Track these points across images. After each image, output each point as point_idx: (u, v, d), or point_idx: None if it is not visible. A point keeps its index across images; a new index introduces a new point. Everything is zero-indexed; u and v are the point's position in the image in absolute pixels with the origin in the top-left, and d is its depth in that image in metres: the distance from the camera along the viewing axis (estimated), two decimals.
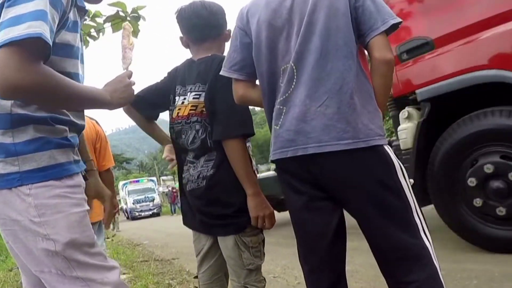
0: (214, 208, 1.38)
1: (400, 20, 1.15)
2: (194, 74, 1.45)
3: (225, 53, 1.38)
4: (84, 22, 2.78)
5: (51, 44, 0.89)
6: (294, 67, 1.15)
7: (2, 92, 0.87)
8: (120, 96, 1.11)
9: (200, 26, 1.45)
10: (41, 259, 1.02)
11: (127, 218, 25.52)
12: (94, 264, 1.05)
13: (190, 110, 1.43)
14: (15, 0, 0.89)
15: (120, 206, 20.07)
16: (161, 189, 30.07)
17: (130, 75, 1.18)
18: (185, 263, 4.69)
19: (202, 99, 1.41)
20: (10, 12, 0.88)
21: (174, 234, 8.72)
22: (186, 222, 1.55)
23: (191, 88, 1.44)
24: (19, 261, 1.16)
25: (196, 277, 1.62)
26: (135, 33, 3.67)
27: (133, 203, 24.85)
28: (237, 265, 1.38)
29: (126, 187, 27.11)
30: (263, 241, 1.43)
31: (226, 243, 1.39)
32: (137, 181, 29.04)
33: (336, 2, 1.12)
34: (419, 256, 1.07)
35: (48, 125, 1.02)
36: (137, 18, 3.50)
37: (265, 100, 1.24)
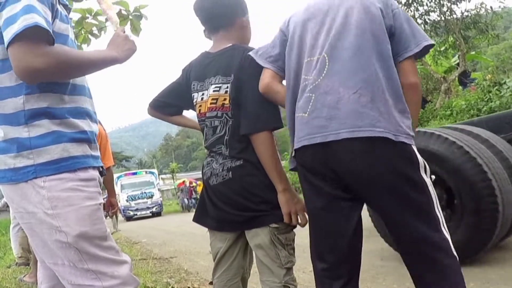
0: (245, 200, 1.32)
1: (433, 42, 1.23)
2: (214, 66, 1.41)
3: (251, 44, 1.45)
4: (86, 20, 2.79)
5: (49, 29, 0.96)
6: (326, 57, 1.19)
7: (27, 79, 0.98)
8: (123, 49, 1.17)
9: (207, 17, 1.46)
10: (55, 251, 1.05)
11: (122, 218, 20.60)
12: (105, 258, 1.08)
13: (211, 103, 1.39)
14: (4, 4, 0.98)
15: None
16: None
17: (123, 30, 1.24)
18: (183, 262, 4.70)
19: (222, 91, 1.36)
20: (3, 16, 0.97)
21: (173, 233, 8.73)
22: (201, 220, 1.47)
23: (210, 81, 1.40)
24: (38, 255, 1.18)
25: (211, 283, 1.55)
26: (137, 31, 3.68)
27: (127, 200, 19.63)
28: (276, 264, 1.32)
29: (120, 180, 20.96)
30: (294, 238, 1.39)
31: (262, 241, 1.32)
32: (134, 174, 23.04)
33: (371, 9, 1.20)
34: (441, 248, 1.12)
35: (63, 118, 1.07)
36: (139, 17, 3.50)
37: (288, 92, 1.30)
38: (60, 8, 1.11)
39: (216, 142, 1.39)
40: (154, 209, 19.74)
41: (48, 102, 1.05)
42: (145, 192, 20.17)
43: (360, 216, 1.23)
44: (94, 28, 2.92)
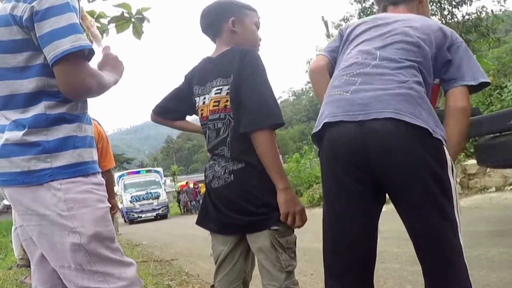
0: (246, 203, 1.31)
1: (489, 81, 1.28)
2: (214, 70, 1.43)
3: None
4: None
5: (94, 51, 1.07)
6: (377, 53, 1.24)
7: (76, 96, 1.09)
8: (119, 70, 1.27)
9: (203, 29, 1.52)
10: (64, 253, 1.07)
11: (125, 221, 18.67)
12: (114, 259, 1.10)
13: (213, 106, 1.40)
14: (44, 14, 1.02)
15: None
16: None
17: (109, 48, 1.32)
18: (184, 264, 4.70)
19: (224, 93, 1.37)
20: (46, 26, 1.02)
21: (174, 235, 8.74)
22: (203, 223, 1.46)
23: (212, 85, 1.41)
24: (35, 258, 1.20)
25: (213, 286, 1.52)
26: (139, 34, 3.69)
27: (131, 201, 17.88)
28: (276, 268, 1.31)
29: (122, 179, 19.25)
30: (295, 241, 1.38)
31: (262, 245, 1.31)
32: (137, 172, 21.17)
33: (430, 33, 1.26)
34: (457, 251, 1.13)
35: (77, 123, 1.12)
36: (142, 20, 3.51)
37: (337, 68, 1.34)
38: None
39: (219, 144, 1.39)
40: (160, 211, 17.97)
41: (66, 108, 1.10)
42: (150, 193, 18.30)
43: (379, 214, 1.21)
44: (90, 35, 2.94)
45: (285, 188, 1.29)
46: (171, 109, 1.59)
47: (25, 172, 1.04)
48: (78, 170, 1.08)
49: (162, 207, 18.20)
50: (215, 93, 1.40)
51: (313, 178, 12.07)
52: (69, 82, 1.03)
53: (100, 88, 1.12)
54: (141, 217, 17.65)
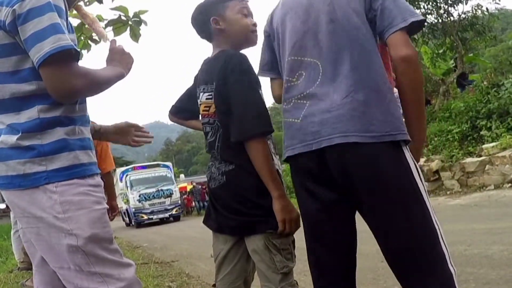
0: (238, 205, 1.32)
1: (423, 18, 1.12)
2: (203, 74, 1.45)
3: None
4: (86, 26, 2.81)
5: (78, 49, 1.03)
6: (319, 64, 1.15)
7: (65, 99, 1.06)
8: (125, 62, 1.24)
9: (196, 28, 1.49)
10: (62, 255, 1.07)
11: (128, 224, 16.33)
12: (112, 260, 1.10)
13: (204, 110, 1.42)
14: (26, 17, 1.00)
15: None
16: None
17: (115, 42, 1.28)
18: (184, 266, 4.70)
19: (212, 99, 1.38)
20: (28, 29, 1.00)
21: (174, 237, 8.74)
22: (206, 222, 1.48)
23: (203, 89, 1.42)
24: (36, 260, 1.20)
25: (214, 285, 1.53)
26: (136, 37, 3.69)
27: (139, 200, 14.92)
28: (271, 269, 1.30)
29: (127, 176, 16.13)
30: (293, 242, 1.36)
31: (256, 246, 1.31)
32: (144, 168, 17.37)
33: (350, 2, 1.14)
34: (437, 262, 1.05)
35: (72, 126, 1.10)
36: (139, 22, 3.50)
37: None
38: (68, 17, 1.15)
39: (210, 147, 1.42)
40: (174, 211, 15.06)
41: (61, 111, 1.08)
42: (162, 190, 15.38)
43: (354, 218, 1.20)
44: (94, 34, 2.94)
45: (280, 196, 1.28)
46: (183, 109, 1.64)
47: (20, 175, 1.04)
48: (74, 172, 1.07)
49: (176, 206, 15.30)
50: (206, 98, 1.41)
51: None
52: (54, 85, 1.01)
53: (95, 86, 1.10)
54: (151, 218, 14.63)
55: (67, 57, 1.01)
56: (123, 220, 17.01)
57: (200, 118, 1.49)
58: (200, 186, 18.68)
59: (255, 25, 1.45)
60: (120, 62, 1.23)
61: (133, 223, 15.20)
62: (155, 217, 14.66)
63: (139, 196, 14.99)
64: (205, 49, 1.63)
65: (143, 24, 3.59)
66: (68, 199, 1.05)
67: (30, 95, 1.06)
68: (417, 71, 1.11)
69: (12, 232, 4.23)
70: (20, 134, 1.05)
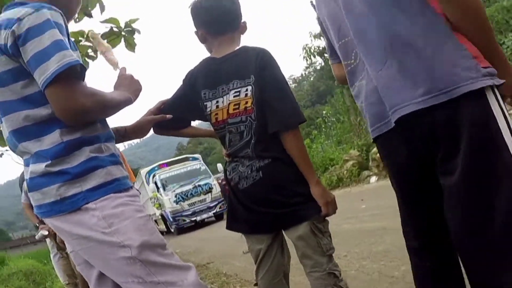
0: (279, 196, 1.32)
1: None
2: (226, 72, 1.37)
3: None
4: (80, 43, 2.76)
5: (86, 68, 1.00)
6: (354, 40, 1.07)
7: (74, 120, 1.02)
8: (133, 89, 1.23)
9: (221, 17, 1.39)
10: (121, 269, 1.06)
11: (165, 232, 13.25)
12: (171, 265, 1.08)
13: (234, 109, 1.36)
14: (25, 37, 0.96)
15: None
16: None
17: (125, 70, 1.26)
18: (220, 266, 4.70)
19: (242, 95, 1.34)
20: (29, 50, 0.96)
21: (205, 239, 8.76)
22: (234, 227, 1.45)
23: (228, 88, 1.36)
24: (93, 281, 1.19)
25: (256, 284, 1.53)
26: (132, 47, 3.62)
27: (176, 201, 12.24)
28: (318, 253, 1.33)
29: (154, 176, 13.33)
30: (328, 224, 1.41)
31: (302, 232, 1.32)
32: (168, 165, 14.08)
33: None
34: None
35: (98, 144, 1.09)
36: (132, 32, 3.45)
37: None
38: (69, 34, 1.11)
39: (244, 146, 1.37)
40: (218, 209, 12.43)
41: (83, 131, 1.06)
42: (199, 185, 12.65)
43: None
44: (90, 50, 2.89)
45: (318, 182, 1.33)
46: (176, 118, 1.47)
47: (58, 200, 1.04)
48: (109, 188, 1.06)
49: (219, 202, 12.52)
50: (234, 96, 1.35)
51: (327, 161, 12.00)
52: (61, 106, 0.97)
53: (103, 107, 1.07)
54: (195, 221, 12.09)
55: (73, 75, 0.98)
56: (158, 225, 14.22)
57: (219, 119, 1.40)
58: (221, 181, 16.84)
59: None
60: (128, 88, 1.22)
61: (172, 229, 12.74)
62: (198, 218, 12.17)
63: (175, 196, 12.31)
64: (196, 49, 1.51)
65: (136, 33, 3.54)
66: (110, 213, 1.04)
67: (48, 119, 1.03)
68: (479, 9, 0.93)
69: (51, 256, 4.31)
70: (48, 161, 1.03)
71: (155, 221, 13.82)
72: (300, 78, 54.37)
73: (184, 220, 12.18)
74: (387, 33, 0.98)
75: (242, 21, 1.44)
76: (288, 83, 1.38)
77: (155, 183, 13.04)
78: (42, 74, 0.95)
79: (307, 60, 13.83)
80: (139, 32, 3.57)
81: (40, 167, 1.04)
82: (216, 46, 1.43)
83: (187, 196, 12.47)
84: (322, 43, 17.10)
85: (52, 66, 0.94)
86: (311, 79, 47.77)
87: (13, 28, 0.96)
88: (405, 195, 1.13)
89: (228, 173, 1.43)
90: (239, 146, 1.37)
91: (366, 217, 4.76)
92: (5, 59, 1.01)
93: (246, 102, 1.33)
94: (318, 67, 26.15)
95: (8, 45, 0.98)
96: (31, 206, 1.93)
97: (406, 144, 1.01)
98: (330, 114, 17.00)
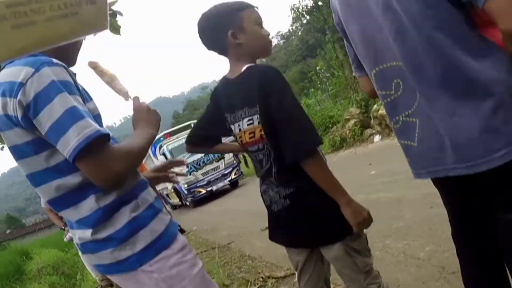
0: (309, 222, 1.32)
1: None
2: (237, 98, 1.34)
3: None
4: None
5: (108, 132, 0.95)
6: (405, 69, 1.00)
7: (113, 186, 1.00)
8: (153, 121, 1.18)
9: (203, 39, 1.36)
10: None
11: (177, 206, 13.42)
12: None
13: (250, 138, 1.35)
14: (35, 108, 0.91)
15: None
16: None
17: (138, 100, 1.21)
18: (242, 246, 4.72)
19: (256, 123, 1.30)
20: (43, 123, 0.91)
21: (217, 214, 8.68)
22: (275, 239, 1.49)
23: (241, 115, 1.34)
24: None
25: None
26: (116, 29, 3.47)
27: (189, 172, 11.46)
28: (354, 272, 1.33)
29: (161, 147, 12.43)
30: (366, 237, 1.39)
31: (335, 254, 1.33)
32: (177, 132, 13.12)
33: None
34: None
35: (134, 201, 1.07)
36: (113, 14, 3.23)
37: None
38: (79, 85, 1.04)
39: (267, 174, 1.37)
40: (233, 175, 11.76)
41: (117, 192, 1.04)
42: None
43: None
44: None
45: (348, 202, 1.26)
46: (205, 136, 1.57)
47: (114, 263, 1.06)
48: (158, 246, 1.07)
49: (233, 168, 11.86)
50: (248, 124, 1.33)
51: (327, 118, 11.92)
52: (95, 178, 0.95)
53: (135, 162, 1.05)
54: (211, 190, 11.44)
55: (98, 144, 0.93)
56: (168, 203, 13.50)
57: (244, 142, 1.40)
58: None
59: (269, 35, 1.39)
60: (148, 122, 1.16)
61: (188, 202, 12.04)
62: (214, 187, 11.54)
63: (187, 166, 11.28)
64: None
65: (118, 16, 3.41)
66: (168, 275, 1.06)
67: (81, 186, 1.01)
68: None
69: (80, 253, 4.43)
70: (91, 230, 1.04)
71: (167, 195, 13.44)
72: (288, 33, 52.93)
73: (200, 191, 11.56)
74: (457, 74, 0.91)
75: (229, 34, 1.29)
76: (300, 105, 1.27)
77: (164, 155, 12.07)
78: (65, 149, 0.91)
79: (296, 21, 13.42)
80: (121, 14, 3.34)
81: (87, 235, 1.04)
82: (229, 66, 1.39)
83: (199, 165, 11.79)
84: (310, 2, 16.35)
85: (72, 141, 0.90)
86: (299, 33, 46.47)
87: (18, 97, 0.91)
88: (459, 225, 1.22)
89: (262, 193, 1.45)
90: (263, 173, 1.39)
91: (379, 185, 4.75)
92: (21, 131, 0.96)
93: (260, 130, 1.30)
94: (305, 21, 25.25)
95: (20, 117, 0.93)
96: (52, 210, 1.91)
97: (466, 187, 1.08)
98: (324, 70, 16.71)
